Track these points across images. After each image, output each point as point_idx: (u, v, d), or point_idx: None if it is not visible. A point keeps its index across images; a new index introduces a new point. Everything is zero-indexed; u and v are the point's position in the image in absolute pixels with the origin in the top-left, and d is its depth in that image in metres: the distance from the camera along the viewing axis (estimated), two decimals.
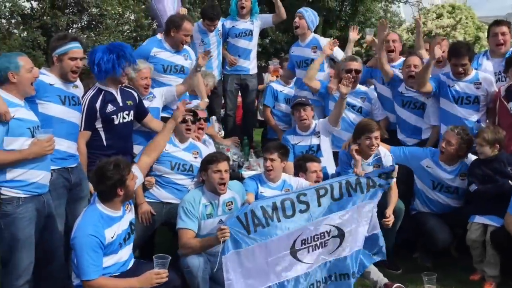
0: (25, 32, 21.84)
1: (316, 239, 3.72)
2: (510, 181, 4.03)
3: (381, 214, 3.98)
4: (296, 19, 5.56)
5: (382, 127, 4.95)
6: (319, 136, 4.88)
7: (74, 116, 3.81)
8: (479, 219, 4.11)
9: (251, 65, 6.26)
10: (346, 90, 4.64)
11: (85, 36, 23.12)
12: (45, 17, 21.77)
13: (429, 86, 4.69)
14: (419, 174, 4.53)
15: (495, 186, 4.08)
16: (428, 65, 4.60)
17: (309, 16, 5.61)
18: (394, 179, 4.03)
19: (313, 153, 4.79)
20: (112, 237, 3.26)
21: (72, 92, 3.81)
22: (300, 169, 4.45)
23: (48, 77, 3.68)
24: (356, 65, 5.07)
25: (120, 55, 3.97)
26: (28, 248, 3.30)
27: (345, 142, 4.63)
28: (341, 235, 3.79)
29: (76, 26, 23.58)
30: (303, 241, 3.68)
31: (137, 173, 3.59)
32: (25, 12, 22.49)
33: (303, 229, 3.67)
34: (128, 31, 24.27)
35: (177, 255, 3.79)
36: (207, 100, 5.34)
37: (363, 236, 3.85)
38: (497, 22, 4.87)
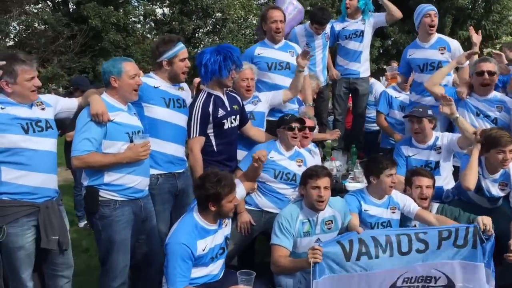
0: (157, 37, 23.51)
1: (420, 281, 3.32)
2: None
3: (501, 246, 3.45)
4: (433, 17, 5.00)
5: None
6: (440, 152, 4.37)
7: (179, 118, 3.82)
8: None
9: (361, 68, 5.89)
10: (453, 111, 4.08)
11: (209, 40, 24.28)
12: (173, 22, 23.20)
13: None
14: None
15: None
16: None
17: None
18: None
19: (430, 170, 4.29)
20: (203, 250, 3.20)
21: (178, 95, 3.83)
22: (407, 183, 4.02)
23: (154, 80, 3.73)
24: (490, 66, 4.42)
25: (227, 57, 3.89)
26: (124, 251, 3.37)
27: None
28: (449, 287, 3.33)
29: (202, 30, 24.81)
30: (406, 279, 3.31)
31: (239, 189, 3.50)
32: (158, 18, 24.23)
33: (411, 268, 3.30)
34: (250, 35, 24.93)
35: None
36: (311, 103, 5.13)
37: None
38: None
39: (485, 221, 3.35)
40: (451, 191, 4.22)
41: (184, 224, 3.23)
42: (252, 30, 25.48)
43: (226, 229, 3.45)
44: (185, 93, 3.94)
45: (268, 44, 4.90)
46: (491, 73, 4.40)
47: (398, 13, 5.63)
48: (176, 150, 3.80)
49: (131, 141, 3.33)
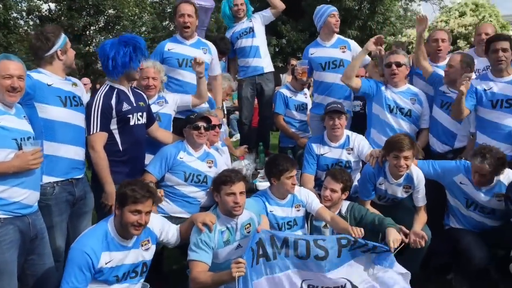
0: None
1: None
2: None
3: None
4: (337, 17, 5.10)
5: (425, 136, 4.59)
6: (350, 153, 4.42)
7: (78, 118, 3.50)
8: None
9: (264, 63, 5.78)
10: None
11: (102, 37, 23.13)
12: (62, 18, 21.78)
13: (467, 110, 4.18)
14: (451, 190, 4.08)
15: None
16: (459, 99, 4.08)
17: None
18: None
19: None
20: (106, 263, 2.93)
21: (73, 92, 3.51)
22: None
23: (47, 77, 3.38)
24: (398, 57, 4.52)
25: (137, 47, 3.64)
26: (9, 275, 2.92)
27: (371, 157, 4.13)
28: None
29: (93, 28, 23.57)
30: (311, 286, 3.30)
31: (171, 231, 3.37)
32: (43, 14, 22.58)
33: (315, 276, 3.27)
34: (145, 32, 24.18)
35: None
36: (220, 106, 5.04)
37: None
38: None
39: (395, 243, 3.41)
40: (358, 186, 4.32)
41: (96, 230, 2.98)
42: (147, 28, 24.75)
43: (146, 253, 3.17)
44: (79, 90, 3.62)
45: (180, 39, 4.71)
46: (399, 64, 4.51)
47: (281, 5, 5.71)
48: (76, 153, 3.48)
49: (20, 148, 2.93)
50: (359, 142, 4.42)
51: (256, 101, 6.05)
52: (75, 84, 3.58)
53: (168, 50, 4.65)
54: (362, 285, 3.33)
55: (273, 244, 3.21)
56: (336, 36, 5.21)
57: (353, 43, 5.18)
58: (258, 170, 4.97)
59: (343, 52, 5.07)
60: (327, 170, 4.28)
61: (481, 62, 4.81)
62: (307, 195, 3.95)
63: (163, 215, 3.84)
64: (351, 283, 3.31)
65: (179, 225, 3.51)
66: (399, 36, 23.61)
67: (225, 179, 3.36)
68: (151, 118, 4.04)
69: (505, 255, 3.76)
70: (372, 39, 4.69)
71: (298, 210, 3.93)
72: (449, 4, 26.92)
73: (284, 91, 5.71)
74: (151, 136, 4.07)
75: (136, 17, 23.79)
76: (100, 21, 23.56)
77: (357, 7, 20.29)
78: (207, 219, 3.30)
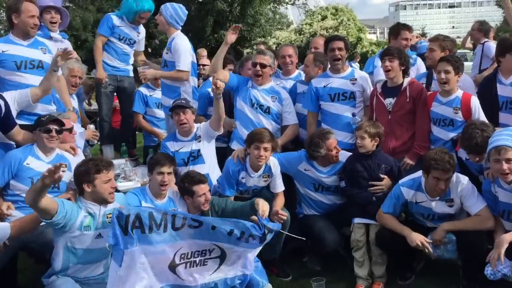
0: None
1: (196, 255, 3.38)
2: (374, 195, 4.04)
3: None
4: (156, 16, 5.11)
5: (290, 132, 4.80)
6: (200, 141, 4.52)
7: None
8: (360, 220, 4.08)
9: (130, 68, 5.85)
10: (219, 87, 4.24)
11: None
12: None
13: None
14: (299, 179, 4.40)
15: (358, 195, 4.07)
16: None
17: (167, 11, 4.99)
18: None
19: (194, 159, 4.46)
20: None
21: None
22: (185, 192, 3.85)
23: None
24: (263, 58, 4.67)
25: None
26: None
27: (236, 156, 4.25)
28: (222, 257, 3.46)
29: None
30: (183, 255, 3.33)
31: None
32: None
33: (185, 244, 3.32)
34: None
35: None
36: (71, 108, 4.72)
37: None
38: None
39: (265, 207, 3.63)
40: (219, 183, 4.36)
41: None
42: None
43: None
44: None
45: (16, 41, 4.26)
46: (263, 65, 4.65)
47: None
48: None
49: None
50: (202, 126, 4.55)
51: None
52: None
53: (2, 52, 4.20)
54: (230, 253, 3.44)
55: (151, 218, 3.18)
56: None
57: (177, 41, 5.03)
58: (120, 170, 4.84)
59: (166, 54, 5.09)
60: (183, 165, 4.39)
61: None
62: (181, 201, 3.90)
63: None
64: (220, 248, 3.41)
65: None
66: (269, 37, 24.63)
67: (97, 168, 3.38)
68: (9, 122, 3.85)
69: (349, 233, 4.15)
70: (230, 30, 4.79)
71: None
72: (313, 8, 28.80)
73: (143, 90, 5.70)
74: (14, 141, 3.91)
75: None
76: None
77: (228, 9, 20.81)
78: None
